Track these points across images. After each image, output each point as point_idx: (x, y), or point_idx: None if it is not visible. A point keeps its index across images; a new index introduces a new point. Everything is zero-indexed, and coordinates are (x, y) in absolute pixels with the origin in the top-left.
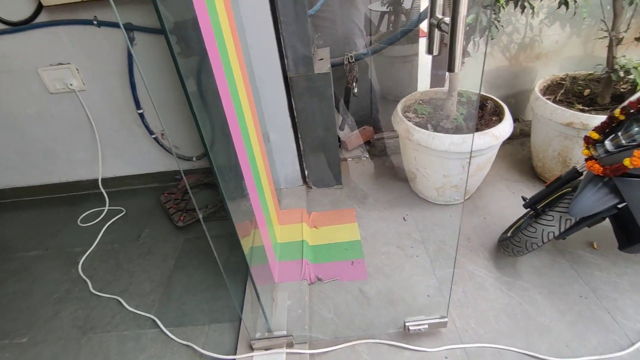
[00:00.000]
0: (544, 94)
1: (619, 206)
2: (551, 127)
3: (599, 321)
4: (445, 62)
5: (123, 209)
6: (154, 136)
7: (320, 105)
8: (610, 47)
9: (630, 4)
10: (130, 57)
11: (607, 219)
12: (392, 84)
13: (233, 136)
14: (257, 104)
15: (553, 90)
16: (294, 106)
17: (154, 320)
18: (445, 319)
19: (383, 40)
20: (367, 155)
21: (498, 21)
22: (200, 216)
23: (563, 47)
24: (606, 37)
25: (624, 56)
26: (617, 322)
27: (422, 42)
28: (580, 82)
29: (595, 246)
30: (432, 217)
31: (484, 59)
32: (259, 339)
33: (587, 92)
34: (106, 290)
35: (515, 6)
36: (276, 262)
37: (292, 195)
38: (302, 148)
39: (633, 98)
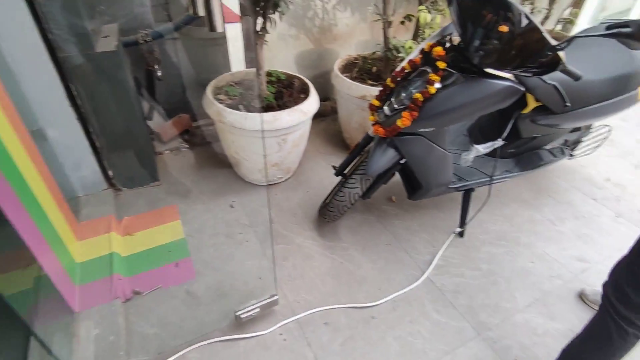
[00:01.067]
0: (342, 72)
1: (402, 162)
2: (351, 102)
3: (400, 261)
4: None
5: None
6: None
7: (114, 91)
8: (384, 30)
9: None
10: None
11: (399, 175)
12: (205, 66)
13: None
14: (13, 94)
15: (349, 68)
16: (75, 93)
17: None
18: (276, 297)
19: (182, 19)
20: (187, 146)
21: None
22: None
23: (354, 30)
24: (379, 20)
25: (395, 37)
26: (412, 258)
27: (232, 25)
28: (369, 60)
29: (393, 199)
30: (260, 199)
31: (254, 38)
32: None
33: (374, 69)
34: None
35: None
36: (75, 288)
37: (95, 203)
38: (99, 144)
39: (398, 68)
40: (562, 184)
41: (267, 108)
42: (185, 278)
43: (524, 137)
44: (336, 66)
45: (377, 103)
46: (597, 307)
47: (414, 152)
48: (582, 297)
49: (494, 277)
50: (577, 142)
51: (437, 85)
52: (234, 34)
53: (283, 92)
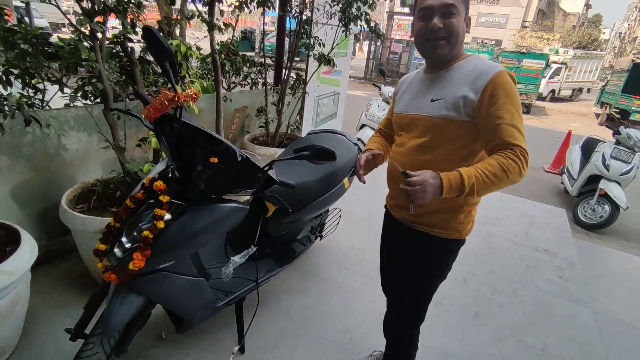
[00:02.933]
0: (78, 203)
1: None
2: (90, 237)
3: None
4: None
5: None
6: None
7: None
8: (117, 155)
9: (119, 118)
10: None
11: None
12: None
13: None
14: None
15: (86, 197)
16: None
17: None
18: None
19: None
20: None
21: None
22: None
23: (90, 153)
24: (109, 146)
25: (134, 160)
26: None
27: None
28: (112, 185)
29: (163, 336)
30: None
31: None
32: None
33: (118, 193)
34: None
35: None
36: None
37: None
38: None
39: (120, 208)
40: (322, 261)
41: None
42: None
43: (274, 237)
44: (64, 199)
45: (103, 247)
46: None
47: (160, 291)
48: None
49: None
50: (322, 225)
51: (167, 216)
52: None
53: None
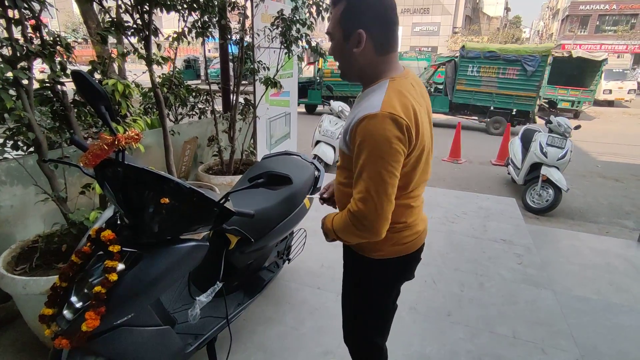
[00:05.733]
0: (17, 265)
1: None
2: (35, 300)
3: None
4: None
5: None
6: None
7: None
8: (59, 206)
9: (56, 167)
10: None
11: None
12: None
13: None
14: None
15: (28, 256)
16: None
17: None
18: None
19: None
20: None
21: None
22: None
23: (26, 210)
24: (48, 198)
25: (79, 208)
26: None
27: None
28: (56, 239)
29: None
30: None
31: None
32: None
33: (64, 247)
34: None
35: None
36: None
37: None
38: None
39: (66, 265)
40: (293, 285)
41: None
42: None
43: (240, 268)
44: (1, 263)
45: (49, 311)
46: None
47: (121, 349)
48: None
49: None
50: (288, 249)
51: (120, 267)
52: None
53: None
